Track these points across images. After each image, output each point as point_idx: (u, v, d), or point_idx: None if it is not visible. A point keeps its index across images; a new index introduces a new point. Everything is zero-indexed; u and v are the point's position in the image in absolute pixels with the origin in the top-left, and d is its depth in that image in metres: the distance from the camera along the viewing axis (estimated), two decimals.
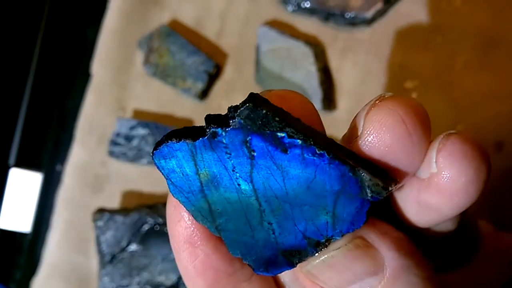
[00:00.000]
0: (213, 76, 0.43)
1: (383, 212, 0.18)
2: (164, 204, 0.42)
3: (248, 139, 0.15)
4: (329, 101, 0.41)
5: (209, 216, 0.17)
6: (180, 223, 0.18)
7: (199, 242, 0.18)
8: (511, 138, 0.37)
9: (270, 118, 0.15)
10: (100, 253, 0.42)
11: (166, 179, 0.17)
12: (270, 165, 0.16)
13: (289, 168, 0.16)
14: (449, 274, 0.22)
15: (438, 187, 0.16)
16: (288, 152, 0.16)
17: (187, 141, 0.16)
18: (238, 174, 0.16)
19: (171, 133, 0.16)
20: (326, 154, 0.15)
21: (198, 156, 0.16)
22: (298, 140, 0.15)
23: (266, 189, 0.16)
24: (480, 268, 0.22)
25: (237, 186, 0.16)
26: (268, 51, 0.41)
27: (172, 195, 0.17)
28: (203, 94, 0.43)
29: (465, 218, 0.20)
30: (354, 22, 0.41)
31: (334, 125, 0.40)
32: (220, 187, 0.17)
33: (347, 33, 0.41)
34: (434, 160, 0.16)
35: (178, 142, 0.16)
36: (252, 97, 0.15)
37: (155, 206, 0.42)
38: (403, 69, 0.40)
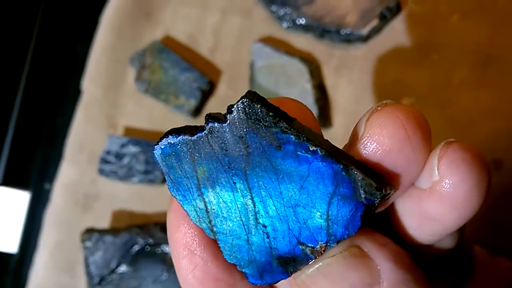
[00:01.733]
0: (207, 93, 0.43)
1: (382, 227, 0.18)
2: (156, 224, 0.41)
3: (243, 134, 0.16)
4: (325, 118, 0.40)
5: (205, 216, 0.17)
6: (180, 229, 0.18)
7: (198, 248, 0.18)
8: (509, 155, 0.37)
9: (264, 113, 0.15)
10: (89, 274, 0.41)
11: (165, 175, 0.17)
12: (265, 162, 0.16)
13: (283, 165, 0.16)
14: None
15: (441, 195, 0.16)
16: (282, 149, 0.16)
17: (186, 136, 0.16)
18: (233, 171, 0.16)
19: (171, 129, 0.17)
20: (319, 151, 0.15)
21: (196, 152, 0.16)
22: (292, 136, 0.15)
23: (260, 187, 0.16)
24: None
25: (232, 184, 0.16)
26: (262, 67, 0.41)
27: (170, 192, 0.17)
28: (196, 111, 0.42)
29: (462, 239, 0.20)
30: (349, 39, 0.40)
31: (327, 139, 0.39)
32: (216, 185, 0.17)
33: (342, 50, 0.41)
34: (436, 168, 0.16)
35: (178, 137, 0.16)
36: (250, 93, 0.15)
37: (145, 226, 0.41)
38: (399, 86, 0.40)
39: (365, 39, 0.40)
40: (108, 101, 0.44)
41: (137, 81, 0.43)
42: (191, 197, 0.17)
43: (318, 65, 0.41)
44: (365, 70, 0.40)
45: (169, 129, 0.17)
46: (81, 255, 0.42)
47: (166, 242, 0.40)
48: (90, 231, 0.41)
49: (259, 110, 0.15)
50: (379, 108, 0.16)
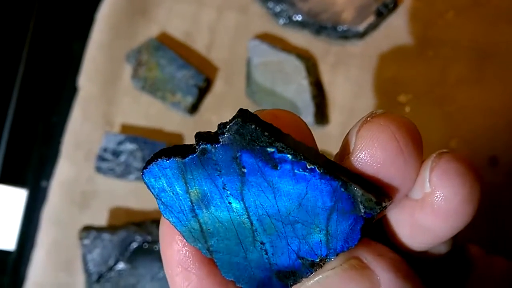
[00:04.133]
0: (203, 90, 0.43)
1: (376, 236, 0.18)
2: (153, 221, 0.41)
3: (238, 155, 0.15)
4: (322, 116, 0.40)
5: (200, 237, 0.17)
6: (173, 246, 0.18)
7: (192, 266, 0.18)
8: (506, 152, 0.37)
9: (259, 133, 0.15)
10: (87, 272, 0.41)
11: (156, 198, 0.17)
12: (261, 182, 0.16)
13: (280, 184, 0.15)
14: None
15: (432, 207, 0.16)
16: (278, 168, 0.15)
17: (177, 158, 0.16)
18: (228, 192, 0.16)
19: (161, 151, 0.16)
20: (317, 169, 0.15)
21: (188, 174, 0.16)
22: (288, 155, 0.15)
23: (257, 206, 0.16)
24: None
25: (228, 204, 0.16)
26: (259, 64, 0.41)
27: (163, 215, 0.17)
28: (193, 108, 0.42)
29: (456, 242, 0.20)
30: (346, 36, 0.40)
31: (327, 140, 0.39)
32: (211, 205, 0.16)
33: (339, 46, 0.41)
34: (428, 180, 0.16)
35: (168, 160, 0.16)
36: (242, 113, 0.15)
37: (143, 224, 0.41)
38: (396, 83, 0.40)
39: (362, 35, 0.40)
40: (105, 99, 0.44)
41: (134, 78, 0.43)
42: (185, 219, 0.17)
43: (314, 62, 0.41)
44: (362, 66, 0.40)
45: (158, 149, 0.16)
46: (79, 252, 0.42)
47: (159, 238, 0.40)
48: (87, 229, 0.41)
49: (254, 130, 0.15)
50: (369, 119, 0.16)
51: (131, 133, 0.43)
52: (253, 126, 0.15)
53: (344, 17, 0.40)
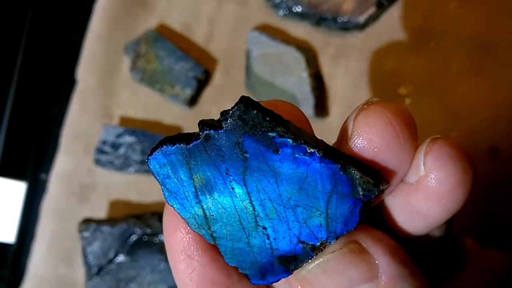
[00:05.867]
0: (202, 82, 0.42)
1: (374, 222, 0.18)
2: (153, 214, 0.41)
3: (240, 140, 0.16)
4: (321, 108, 0.40)
5: (204, 223, 0.17)
6: (176, 234, 0.18)
7: (195, 253, 0.18)
8: (506, 144, 0.37)
9: (261, 118, 0.15)
10: (87, 264, 0.41)
11: (161, 185, 0.17)
12: (263, 167, 0.16)
13: (281, 168, 0.16)
14: None
15: (427, 190, 0.16)
16: (279, 152, 0.16)
17: (181, 145, 0.16)
18: (231, 177, 0.16)
19: (165, 138, 0.17)
20: (316, 153, 0.15)
21: (192, 160, 0.16)
22: (289, 140, 0.15)
23: (259, 191, 0.16)
24: (466, 284, 0.22)
25: (230, 189, 0.17)
26: (258, 56, 0.41)
27: (167, 201, 0.17)
28: (192, 101, 0.42)
29: (450, 229, 0.20)
30: (346, 27, 0.40)
31: (327, 132, 0.39)
32: (214, 191, 0.17)
33: (339, 38, 0.40)
34: (422, 163, 0.16)
35: (172, 146, 0.16)
36: (244, 99, 0.16)
37: (143, 216, 0.41)
38: (396, 74, 0.39)
39: (362, 27, 0.40)
40: (103, 91, 0.44)
41: (132, 70, 0.43)
42: (189, 205, 0.17)
43: (314, 54, 0.41)
44: (362, 58, 0.40)
45: (160, 138, 0.17)
46: (79, 245, 0.42)
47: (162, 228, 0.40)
48: (87, 221, 0.41)
49: (255, 116, 0.15)
50: (366, 107, 0.16)
51: (130, 125, 0.43)
52: (255, 112, 0.15)
53: (345, 8, 0.40)
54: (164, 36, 0.43)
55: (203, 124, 0.16)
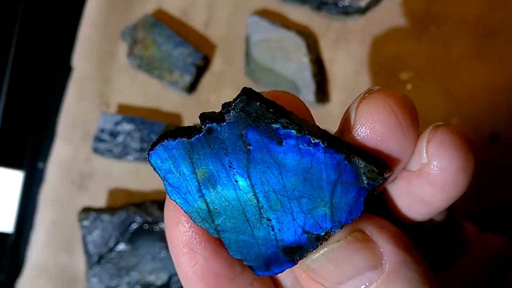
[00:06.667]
0: (201, 69, 0.42)
1: (377, 210, 0.18)
2: (153, 202, 0.41)
3: (243, 132, 0.16)
4: (322, 94, 0.39)
5: (207, 216, 0.17)
6: (179, 227, 0.18)
7: (198, 246, 0.18)
8: (507, 130, 0.37)
9: (264, 110, 0.15)
10: (87, 253, 0.41)
11: (163, 180, 0.17)
12: (267, 158, 0.16)
13: (285, 160, 0.16)
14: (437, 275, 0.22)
15: (429, 177, 0.16)
16: (283, 144, 0.16)
17: (183, 139, 0.16)
18: (235, 170, 0.16)
19: (166, 133, 0.16)
20: (321, 143, 0.15)
21: (195, 154, 0.16)
22: (293, 131, 0.15)
23: (263, 183, 0.16)
24: (467, 269, 0.23)
25: (234, 182, 0.16)
26: (258, 41, 0.40)
27: (169, 197, 0.17)
28: (191, 87, 0.42)
29: (451, 214, 0.20)
30: (347, 11, 0.39)
31: (328, 118, 0.39)
32: (218, 184, 0.16)
33: (340, 22, 0.40)
34: (425, 150, 0.16)
35: (174, 140, 0.16)
36: (246, 91, 0.15)
37: (143, 204, 0.41)
38: (398, 60, 0.39)
39: (364, 11, 0.39)
40: (100, 78, 0.43)
41: (130, 56, 0.42)
42: (192, 199, 0.17)
43: (315, 39, 0.40)
44: (363, 43, 0.39)
45: (162, 131, 0.16)
46: (79, 234, 0.42)
47: (164, 220, 0.40)
48: (87, 210, 0.41)
49: (259, 107, 0.15)
50: (367, 95, 0.16)
51: (128, 113, 0.42)
52: (258, 103, 0.15)
53: None
54: (161, 21, 0.42)
55: (205, 117, 0.16)
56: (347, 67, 0.40)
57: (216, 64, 0.42)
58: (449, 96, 0.38)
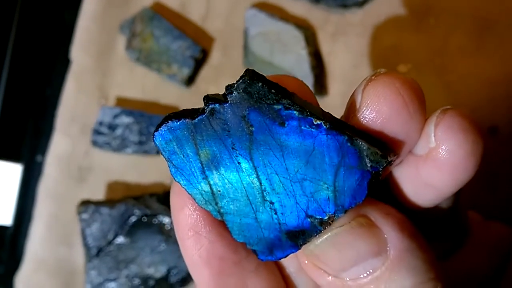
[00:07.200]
0: (200, 62, 0.42)
1: (383, 196, 0.18)
2: (151, 195, 0.41)
3: (246, 113, 0.15)
4: (321, 86, 0.39)
5: (211, 199, 0.17)
6: (184, 211, 0.18)
7: (203, 229, 0.18)
8: (505, 122, 0.37)
9: (266, 91, 0.15)
10: (86, 246, 0.41)
11: (167, 161, 0.17)
12: (269, 140, 0.16)
13: (288, 141, 0.16)
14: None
15: (437, 161, 0.16)
16: (285, 125, 0.15)
17: (187, 120, 0.16)
18: (237, 152, 0.16)
19: (170, 114, 0.16)
20: (323, 125, 0.15)
21: (198, 135, 0.16)
22: (295, 112, 0.15)
23: (266, 165, 0.16)
24: (470, 257, 0.22)
25: (237, 164, 0.16)
26: (256, 35, 0.40)
27: (173, 178, 0.17)
28: (190, 80, 0.42)
29: (458, 201, 0.20)
30: (345, 4, 0.39)
31: (327, 110, 0.39)
32: (221, 166, 0.16)
33: (338, 15, 0.40)
34: (433, 134, 0.16)
35: (178, 121, 0.16)
36: (249, 72, 0.15)
37: (142, 197, 0.41)
38: (396, 52, 0.39)
39: (362, 4, 0.39)
40: (99, 70, 0.43)
41: (128, 49, 0.42)
42: (196, 181, 0.17)
43: (313, 32, 0.40)
44: (361, 36, 0.39)
45: (163, 116, 0.17)
46: (77, 227, 0.42)
47: (162, 212, 0.40)
48: (86, 203, 0.41)
49: (261, 88, 0.15)
50: (374, 78, 0.16)
51: (126, 106, 0.42)
52: (260, 84, 0.15)
53: None
54: (160, 14, 0.42)
55: (208, 98, 0.16)
56: (346, 60, 0.40)
57: (215, 57, 0.42)
58: (447, 88, 0.38)
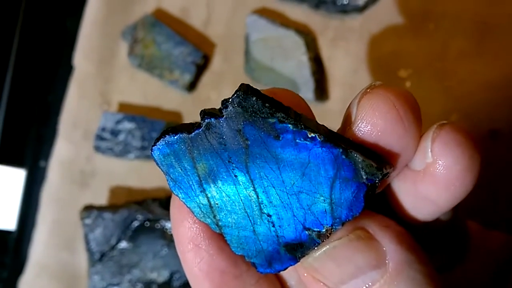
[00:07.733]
0: (201, 67, 0.42)
1: (381, 209, 0.18)
2: (154, 200, 0.41)
3: (241, 127, 0.16)
4: (322, 91, 0.40)
5: (209, 212, 0.17)
6: (184, 224, 0.18)
7: (203, 243, 0.18)
8: (506, 126, 0.37)
9: (260, 105, 0.15)
10: (89, 251, 0.41)
11: (166, 174, 0.17)
12: (264, 153, 0.16)
13: (283, 154, 0.16)
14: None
15: (434, 177, 0.16)
16: (280, 138, 0.16)
17: (183, 134, 0.16)
18: (234, 165, 0.16)
19: (168, 129, 0.17)
20: (317, 138, 0.15)
21: (195, 149, 0.16)
22: (289, 125, 0.15)
23: (262, 178, 0.16)
24: (470, 268, 0.22)
25: (234, 177, 0.17)
26: (257, 40, 0.40)
27: (172, 191, 0.17)
28: (191, 86, 0.42)
29: (456, 214, 0.20)
30: (345, 10, 0.39)
31: (327, 116, 0.39)
32: (218, 179, 0.17)
33: (338, 21, 0.40)
34: (430, 150, 0.16)
35: (175, 135, 0.16)
36: (243, 86, 0.16)
37: (144, 202, 0.41)
38: (396, 57, 0.39)
39: (362, 9, 0.39)
40: (101, 77, 0.43)
41: (130, 55, 0.42)
42: (194, 194, 0.17)
43: (314, 37, 0.40)
44: (361, 41, 0.40)
45: (163, 127, 0.17)
46: (80, 232, 0.42)
47: (165, 217, 0.40)
48: (88, 208, 0.41)
49: (255, 102, 0.15)
50: (369, 91, 0.16)
51: (128, 111, 0.43)
52: (254, 98, 0.15)
53: None
54: (161, 20, 0.42)
55: (204, 113, 0.16)
56: (346, 65, 0.40)
57: (216, 63, 0.42)
58: (448, 93, 0.38)
